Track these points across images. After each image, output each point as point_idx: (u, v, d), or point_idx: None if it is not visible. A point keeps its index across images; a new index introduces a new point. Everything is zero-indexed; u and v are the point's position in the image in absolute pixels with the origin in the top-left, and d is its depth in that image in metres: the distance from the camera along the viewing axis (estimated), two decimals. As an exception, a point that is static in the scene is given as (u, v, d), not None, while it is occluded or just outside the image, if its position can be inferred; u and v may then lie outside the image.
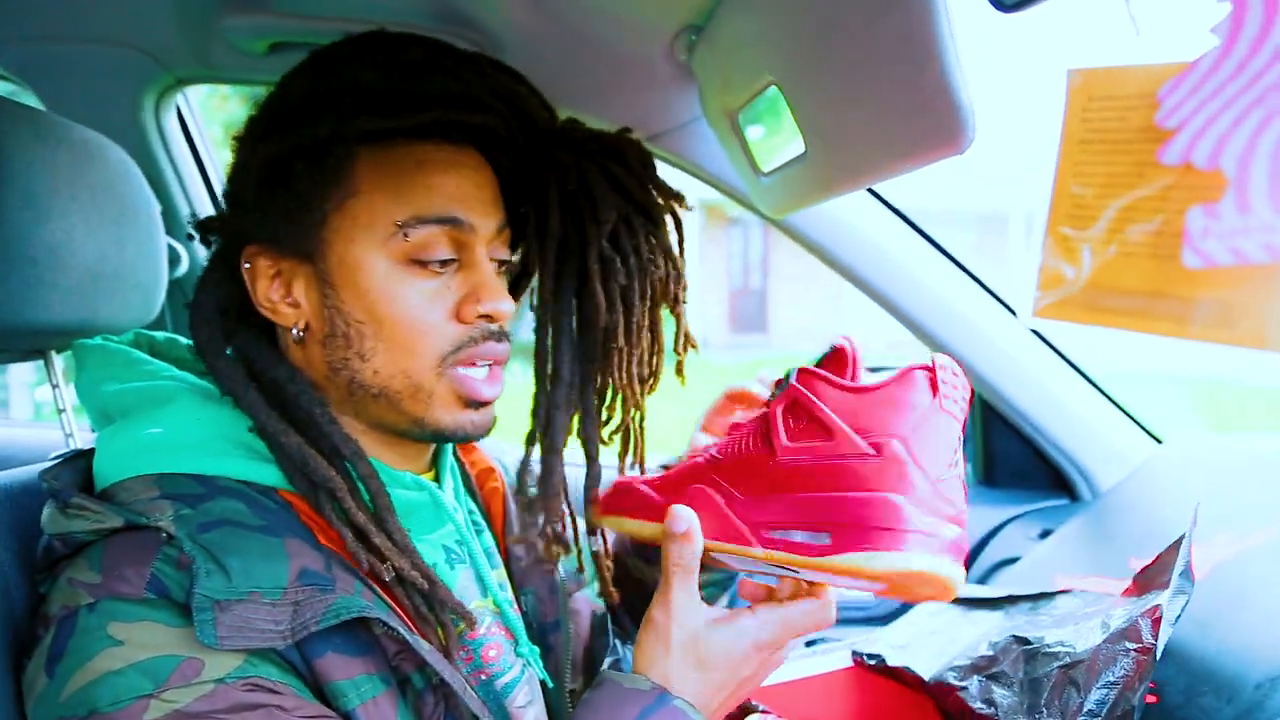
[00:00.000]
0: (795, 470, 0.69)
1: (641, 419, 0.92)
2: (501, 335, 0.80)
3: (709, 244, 15.50)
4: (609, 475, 0.91)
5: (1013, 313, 1.43)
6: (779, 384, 0.75)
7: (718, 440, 0.82)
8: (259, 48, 1.16)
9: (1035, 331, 1.42)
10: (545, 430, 0.85)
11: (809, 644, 1.14)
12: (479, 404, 0.80)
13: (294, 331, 0.77)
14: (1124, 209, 0.43)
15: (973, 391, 0.69)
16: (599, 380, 0.88)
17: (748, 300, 16.23)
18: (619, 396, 0.89)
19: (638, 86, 1.19)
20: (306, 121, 0.73)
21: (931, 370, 0.66)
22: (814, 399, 0.69)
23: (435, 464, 0.91)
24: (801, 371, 0.72)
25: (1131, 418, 1.43)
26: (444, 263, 0.76)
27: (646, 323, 0.86)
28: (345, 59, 0.76)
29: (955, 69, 0.64)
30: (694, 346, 0.94)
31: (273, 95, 0.78)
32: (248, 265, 0.77)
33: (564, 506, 0.88)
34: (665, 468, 0.89)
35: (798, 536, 0.69)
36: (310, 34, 1.11)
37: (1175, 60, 0.42)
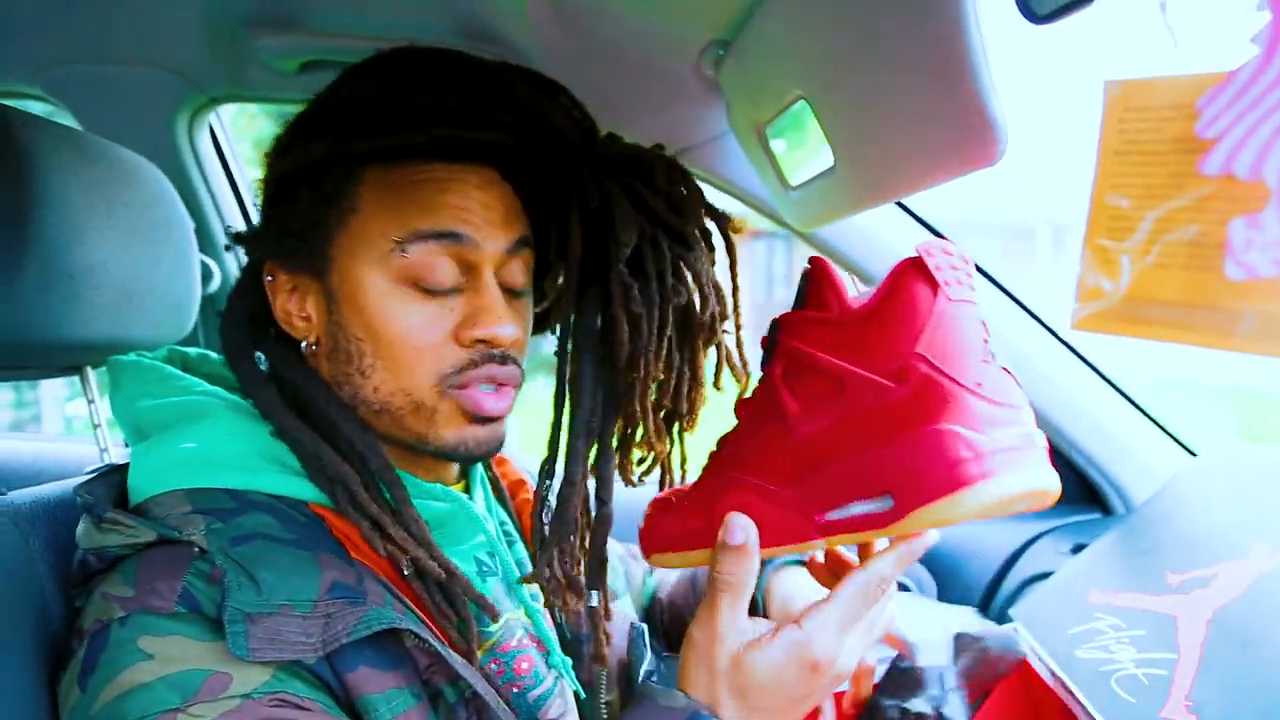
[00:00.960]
0: (819, 437, 0.59)
1: (684, 460, 0.88)
2: (505, 359, 0.77)
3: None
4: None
5: (1042, 324, 1.41)
6: (765, 343, 0.65)
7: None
8: (290, 66, 1.17)
9: (1065, 343, 1.41)
10: (565, 461, 0.81)
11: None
12: (485, 419, 0.77)
13: (306, 345, 0.79)
14: (1162, 220, 0.43)
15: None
16: (621, 413, 0.83)
17: (773, 313, 16.03)
18: (635, 431, 0.84)
19: (665, 101, 1.19)
20: (308, 140, 0.75)
21: (917, 261, 0.56)
22: (808, 350, 0.59)
23: (465, 475, 0.91)
24: (784, 321, 0.62)
25: (1164, 429, 1.41)
26: (450, 282, 0.75)
27: (665, 353, 0.80)
28: (350, 76, 0.78)
29: (987, 80, 0.63)
30: (739, 380, 0.87)
31: (293, 117, 0.80)
32: (269, 279, 0.79)
33: (577, 545, 0.81)
34: None
35: (857, 509, 0.59)
36: (341, 52, 1.12)
37: (1213, 70, 0.42)
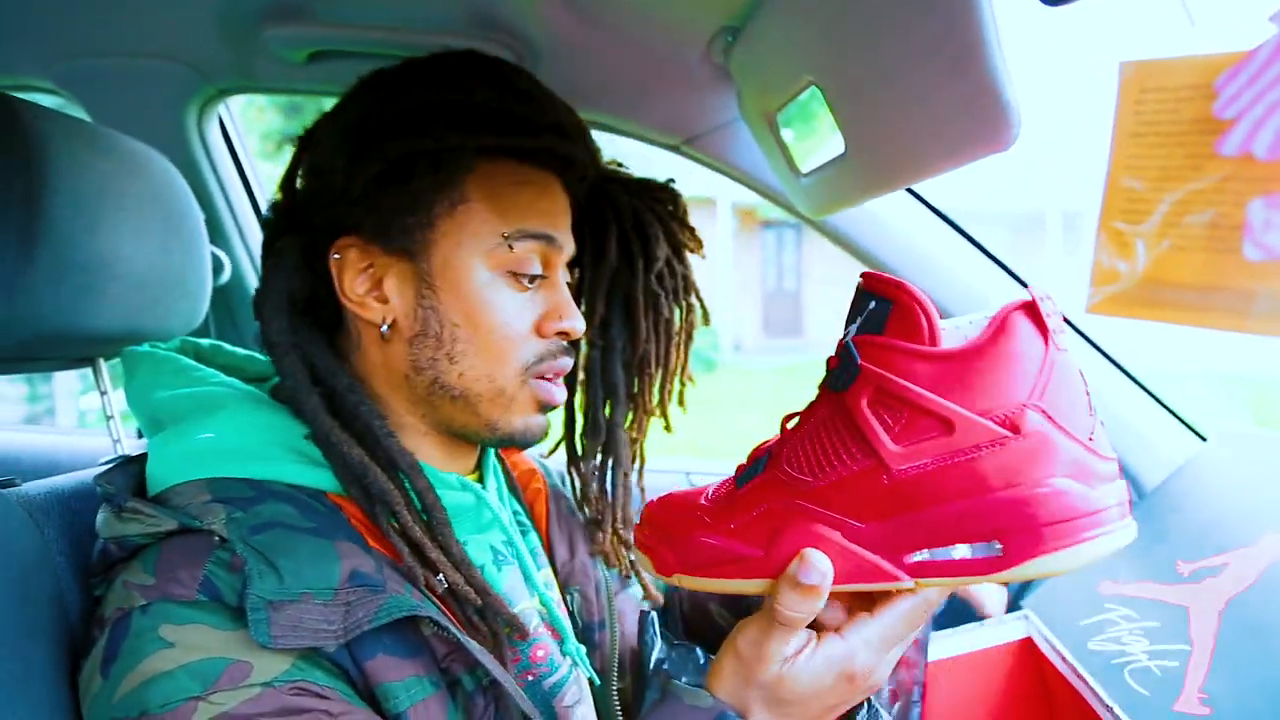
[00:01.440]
0: (922, 480, 0.56)
1: (644, 440, 1.05)
2: (571, 351, 0.86)
3: (742, 248, 15.46)
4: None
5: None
6: (836, 364, 0.61)
7: (765, 446, 0.67)
8: (299, 57, 1.17)
9: (1075, 328, 1.40)
10: (609, 447, 0.99)
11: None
12: (549, 408, 0.85)
13: (381, 328, 0.79)
14: (1179, 202, 0.42)
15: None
16: (634, 404, 1.01)
17: (782, 303, 16.16)
18: (639, 418, 1.02)
19: (675, 89, 1.19)
20: (432, 128, 0.77)
21: (1033, 306, 0.53)
22: (907, 384, 0.55)
23: (479, 465, 0.92)
24: (865, 346, 0.58)
25: (1175, 415, 1.40)
26: (533, 278, 0.81)
27: (678, 353, 1.01)
28: (460, 75, 0.81)
29: (999, 64, 0.63)
30: (691, 381, 1.06)
31: (377, 98, 0.81)
32: (337, 256, 0.79)
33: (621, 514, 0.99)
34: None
35: (959, 553, 0.57)
36: (350, 42, 1.12)
37: (1231, 50, 0.41)
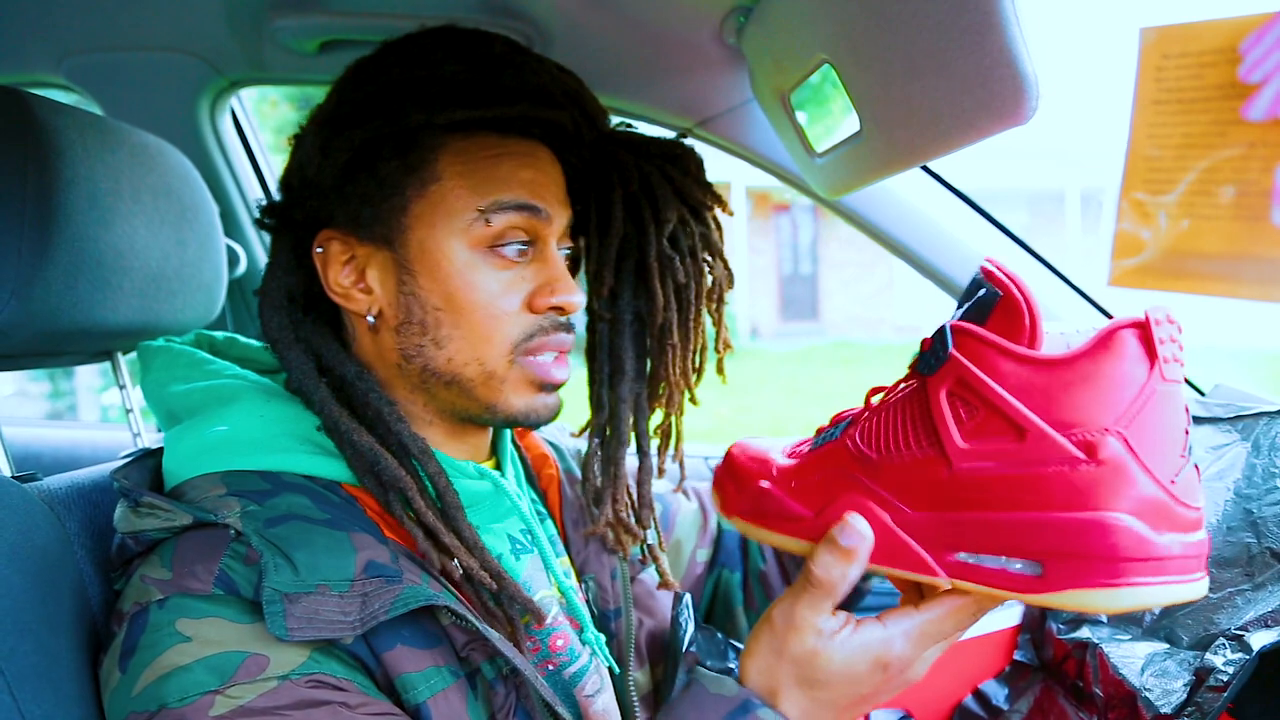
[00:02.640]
0: (981, 482, 0.54)
1: (681, 415, 0.97)
2: (569, 326, 0.82)
3: (757, 232, 15.40)
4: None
5: (1070, 285, 1.39)
6: (928, 346, 0.58)
7: (847, 414, 0.67)
8: (310, 47, 1.17)
9: (1088, 298, 1.39)
10: (611, 424, 0.92)
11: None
12: (551, 387, 0.81)
13: (368, 319, 0.78)
14: (1203, 169, 0.41)
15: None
16: (650, 375, 0.94)
17: (798, 287, 16.11)
18: (667, 392, 0.94)
19: (687, 71, 1.18)
20: (396, 109, 0.75)
21: (1145, 327, 0.50)
22: (989, 381, 0.53)
23: (495, 452, 0.91)
24: (960, 334, 0.55)
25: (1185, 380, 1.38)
26: (520, 252, 0.78)
27: (700, 320, 0.92)
28: (429, 50, 0.78)
29: (1018, 35, 0.61)
30: (730, 348, 0.98)
31: (349, 85, 0.79)
32: (320, 250, 0.78)
33: (628, 496, 0.93)
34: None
35: (996, 563, 0.55)
36: (360, 31, 1.12)
37: (1256, 12, 0.40)
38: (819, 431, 0.67)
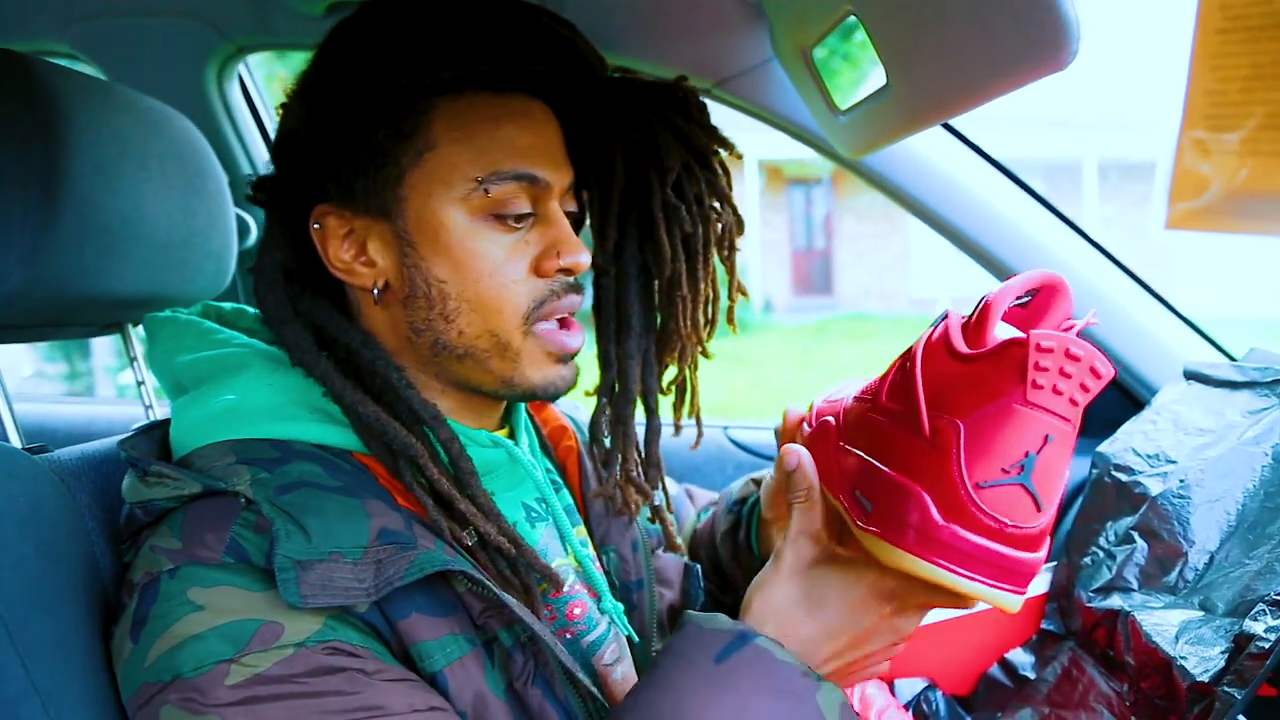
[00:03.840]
0: (875, 429, 0.65)
1: (695, 370, 0.95)
2: (579, 287, 0.79)
3: (770, 206, 15.32)
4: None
5: (1092, 243, 1.37)
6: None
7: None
8: (317, 9, 1.14)
9: (1109, 254, 1.36)
10: (620, 380, 0.89)
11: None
12: (568, 357, 0.79)
13: (374, 292, 0.75)
14: (1274, 102, 0.39)
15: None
16: (660, 330, 0.91)
17: (812, 262, 16.06)
18: (678, 346, 0.92)
19: (705, 29, 1.15)
20: (382, 74, 0.72)
21: (1023, 347, 0.53)
22: (918, 359, 0.61)
23: (508, 421, 0.90)
24: (946, 320, 0.62)
25: (1208, 338, 1.36)
26: (520, 217, 0.75)
27: (710, 269, 0.90)
28: (410, 11, 0.74)
29: (1057, -28, 0.59)
30: (744, 294, 0.95)
31: (331, 50, 0.76)
32: (317, 226, 0.75)
33: (637, 455, 0.92)
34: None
35: (857, 496, 0.65)
36: (368, -9, 1.09)
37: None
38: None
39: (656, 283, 0.90)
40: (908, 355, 0.64)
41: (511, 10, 0.76)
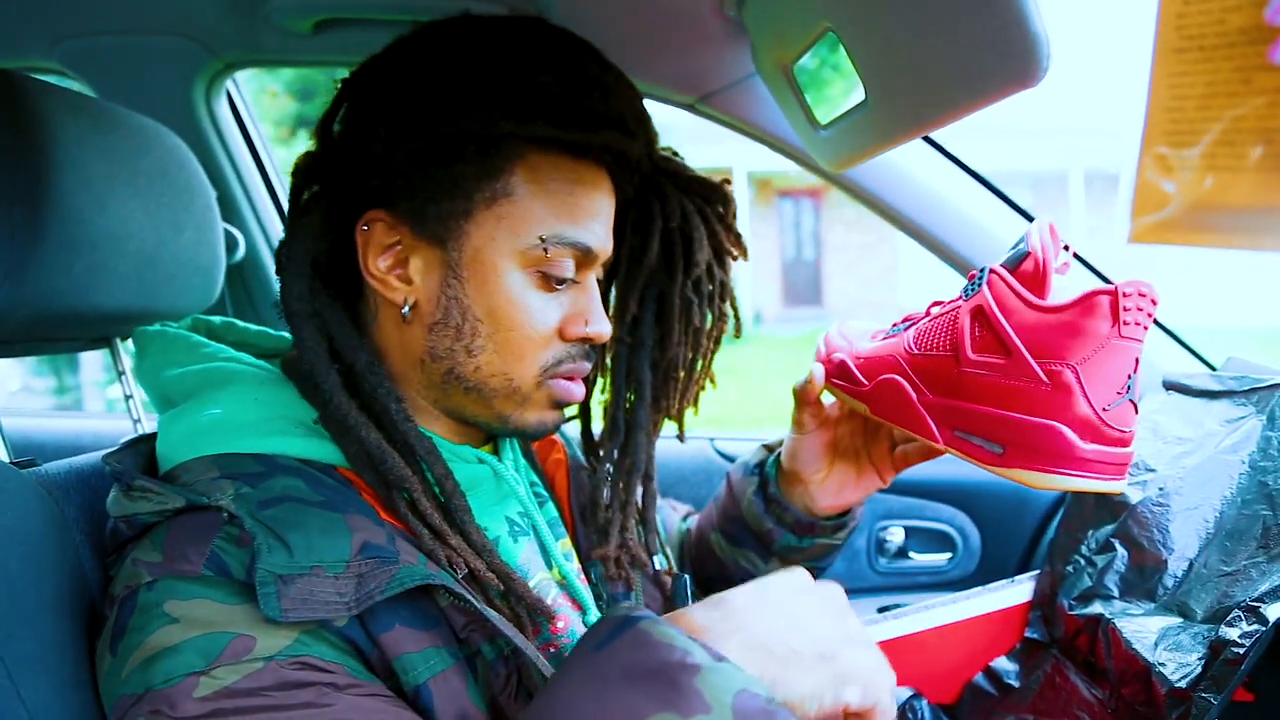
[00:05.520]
0: (977, 382, 0.74)
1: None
2: (593, 354, 0.83)
3: (759, 218, 15.35)
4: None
5: (1076, 257, 1.38)
6: (974, 279, 0.77)
7: (913, 316, 0.87)
8: (304, 27, 1.15)
9: (1089, 265, 1.37)
10: (628, 449, 0.93)
11: (881, 610, 1.12)
12: (566, 406, 0.82)
13: (403, 310, 0.76)
14: (1228, 119, 0.40)
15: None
16: (662, 404, 0.97)
17: (801, 273, 16.07)
18: (661, 421, 0.98)
19: (687, 45, 1.16)
20: (484, 112, 0.72)
21: (1114, 295, 0.66)
22: (999, 317, 0.71)
23: (492, 436, 0.90)
24: (993, 278, 0.73)
25: (1188, 348, 1.37)
26: (562, 280, 0.77)
27: (709, 361, 0.98)
28: (520, 51, 0.75)
29: (1027, -8, 0.60)
30: (714, 383, 1.03)
31: (429, 69, 0.74)
32: (365, 228, 0.75)
33: (637, 528, 0.94)
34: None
35: (976, 441, 0.74)
36: (355, 8, 1.10)
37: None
38: (893, 325, 0.89)
39: (661, 362, 0.95)
40: (979, 314, 0.74)
41: (611, 80, 0.78)
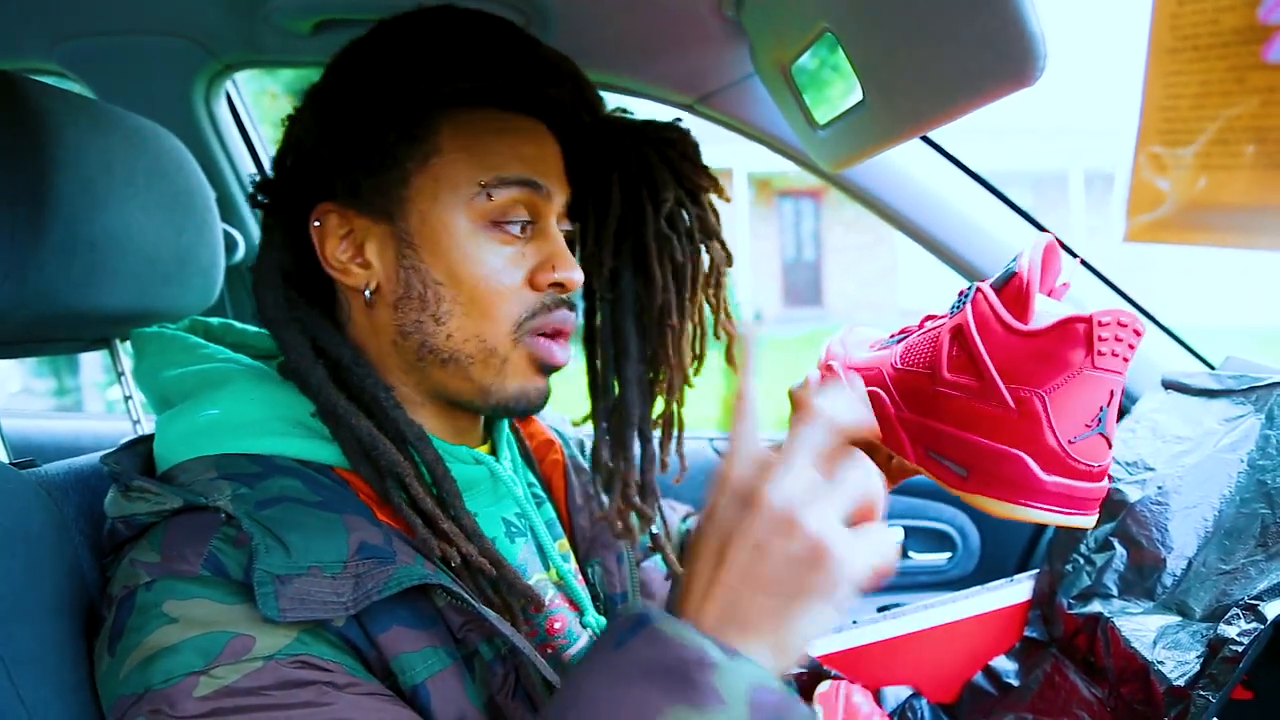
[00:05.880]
0: (949, 403, 0.71)
1: (682, 404, 0.93)
2: (572, 305, 0.81)
3: (759, 218, 15.36)
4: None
5: (1073, 256, 1.38)
6: (962, 294, 0.74)
7: (909, 329, 0.83)
8: (304, 27, 1.15)
9: (1089, 266, 1.38)
10: (621, 405, 0.88)
11: (881, 609, 1.12)
12: (549, 369, 0.80)
13: (365, 294, 0.77)
14: (1222, 118, 0.40)
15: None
16: (651, 359, 0.91)
17: (801, 274, 16.08)
18: (667, 377, 0.91)
19: (686, 46, 1.16)
20: (398, 80, 0.74)
21: (1089, 324, 0.63)
22: (975, 337, 0.68)
23: (490, 437, 0.91)
24: (977, 296, 0.70)
25: (1188, 347, 1.37)
26: (522, 227, 0.77)
27: (699, 301, 0.91)
28: (430, 27, 0.77)
29: (1024, -8, 0.60)
30: (731, 333, 0.94)
31: (347, 61, 0.78)
32: (317, 223, 0.77)
33: (639, 480, 0.90)
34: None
35: (945, 462, 0.72)
36: (354, 9, 1.10)
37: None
38: (890, 335, 0.85)
39: (648, 313, 0.90)
40: (957, 334, 0.70)
41: (524, 38, 0.80)
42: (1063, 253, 0.72)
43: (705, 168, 0.91)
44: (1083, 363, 0.63)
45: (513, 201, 0.76)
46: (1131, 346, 0.64)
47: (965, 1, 0.64)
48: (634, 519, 0.90)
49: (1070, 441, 0.65)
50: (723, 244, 0.93)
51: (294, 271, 0.78)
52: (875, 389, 0.79)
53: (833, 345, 0.92)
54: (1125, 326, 0.63)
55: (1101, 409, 0.65)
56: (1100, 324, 0.63)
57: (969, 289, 0.72)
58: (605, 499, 0.90)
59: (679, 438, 0.93)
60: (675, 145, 0.89)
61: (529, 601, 0.77)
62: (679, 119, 0.91)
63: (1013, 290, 0.68)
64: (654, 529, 0.94)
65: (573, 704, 0.55)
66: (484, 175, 0.75)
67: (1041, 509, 0.66)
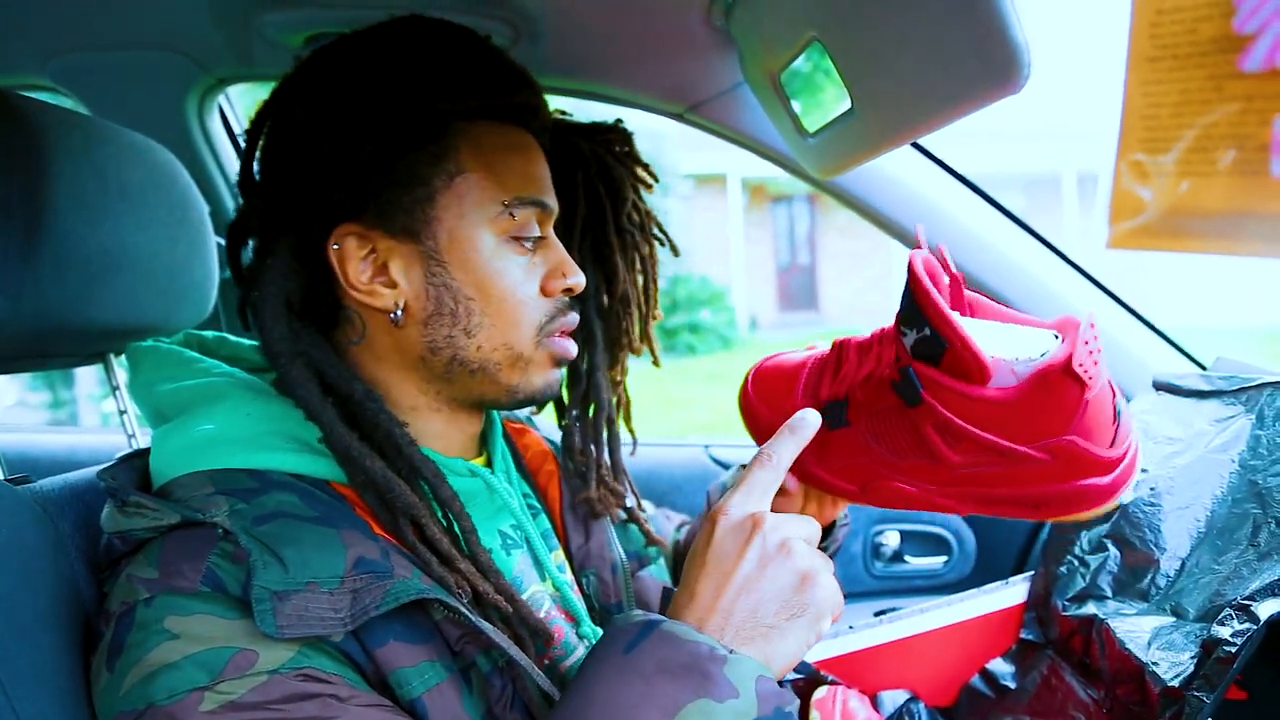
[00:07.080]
0: (977, 473, 0.72)
1: (624, 378, 1.05)
2: (577, 306, 0.86)
3: (753, 224, 15.37)
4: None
5: (1064, 259, 1.39)
6: (899, 379, 0.72)
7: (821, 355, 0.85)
8: (296, 41, 1.16)
9: (1079, 268, 1.38)
10: (591, 391, 0.98)
11: (878, 614, 1.12)
12: (564, 363, 0.85)
13: (393, 314, 0.77)
14: (1201, 126, 0.41)
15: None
16: (609, 345, 1.01)
17: (797, 278, 16.09)
18: (622, 360, 1.02)
19: (676, 56, 1.17)
20: (422, 100, 0.75)
21: (1066, 364, 0.65)
22: (962, 423, 0.69)
23: (485, 448, 0.91)
24: (926, 380, 0.69)
25: (1178, 348, 1.38)
26: (533, 240, 0.81)
27: (656, 285, 1.02)
28: (423, 40, 0.78)
29: (1007, 1, 0.61)
30: (657, 317, 1.04)
31: (346, 76, 0.76)
32: (336, 247, 0.76)
33: (609, 461, 1.00)
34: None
35: (1008, 507, 0.73)
36: (347, 23, 1.10)
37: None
38: (822, 407, 0.79)
39: (610, 300, 1.00)
40: (944, 428, 0.70)
41: (496, 50, 0.82)
42: (924, 253, 0.71)
43: (646, 164, 1.01)
44: (1082, 395, 0.66)
45: (529, 218, 0.79)
46: (1100, 351, 0.67)
47: (950, 11, 0.65)
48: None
49: (1110, 445, 0.69)
50: (666, 235, 1.04)
51: (295, 299, 0.76)
52: (883, 480, 0.77)
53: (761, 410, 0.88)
54: (1091, 343, 0.66)
55: (1115, 407, 0.69)
56: (1079, 365, 0.65)
57: (906, 376, 0.71)
58: (580, 483, 0.99)
59: (627, 414, 1.05)
60: (621, 142, 0.98)
61: (539, 635, 0.77)
62: (620, 120, 0.99)
63: (955, 360, 0.68)
64: (628, 504, 1.02)
65: (587, 708, 0.59)
66: (506, 195, 0.78)
67: (1115, 499, 0.71)
